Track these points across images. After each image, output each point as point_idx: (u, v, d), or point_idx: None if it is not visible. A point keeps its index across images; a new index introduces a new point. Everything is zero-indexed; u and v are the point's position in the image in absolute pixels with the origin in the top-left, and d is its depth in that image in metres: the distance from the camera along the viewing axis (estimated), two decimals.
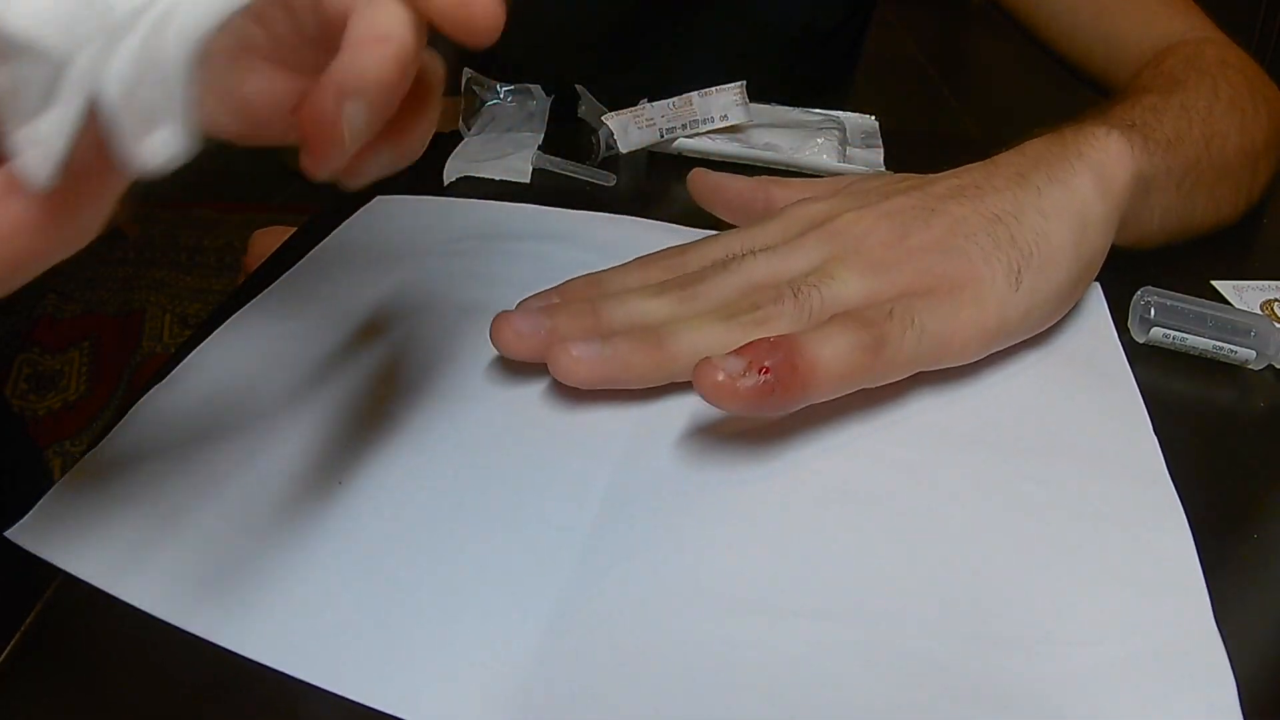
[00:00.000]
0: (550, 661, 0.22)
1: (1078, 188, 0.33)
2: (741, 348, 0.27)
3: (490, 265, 0.40)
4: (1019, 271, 0.31)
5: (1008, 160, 0.35)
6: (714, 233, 0.37)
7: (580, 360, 0.30)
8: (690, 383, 0.31)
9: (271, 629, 0.23)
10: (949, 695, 0.22)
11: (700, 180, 0.43)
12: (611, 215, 0.45)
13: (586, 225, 0.44)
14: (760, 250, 0.33)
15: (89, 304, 1.55)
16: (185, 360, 0.33)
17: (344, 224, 0.44)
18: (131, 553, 0.25)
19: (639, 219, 0.44)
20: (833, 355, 0.28)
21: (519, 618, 0.23)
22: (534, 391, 0.32)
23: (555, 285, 0.35)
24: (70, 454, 1.21)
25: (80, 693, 0.23)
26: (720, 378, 0.26)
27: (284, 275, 0.39)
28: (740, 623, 0.23)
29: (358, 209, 0.46)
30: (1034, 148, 0.35)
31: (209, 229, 1.79)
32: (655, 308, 0.32)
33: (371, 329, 0.35)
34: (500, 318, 0.31)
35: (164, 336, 1.45)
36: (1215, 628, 0.23)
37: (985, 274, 0.31)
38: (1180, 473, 0.28)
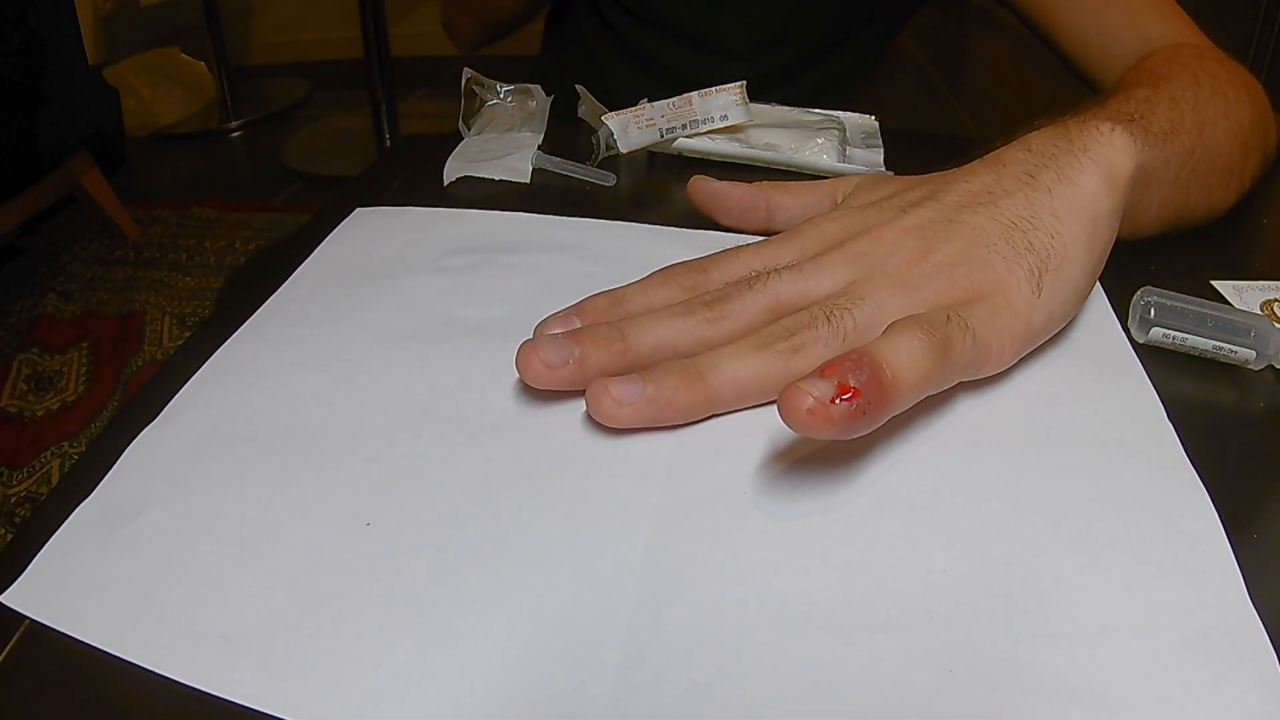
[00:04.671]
0: (626, 700, 0.22)
1: (1086, 185, 0.33)
2: (824, 368, 0.26)
3: (490, 281, 0.39)
4: (1039, 276, 0.31)
5: (1014, 158, 0.35)
6: (724, 240, 0.37)
7: (623, 404, 0.29)
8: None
9: (314, 691, 0.22)
10: (1027, 694, 0.22)
11: (700, 187, 0.43)
12: (607, 222, 0.44)
13: (583, 234, 0.43)
14: (783, 269, 0.33)
15: (88, 304, 1.55)
16: (176, 397, 0.32)
17: (327, 239, 0.42)
18: (141, 613, 0.24)
19: (636, 224, 0.44)
20: (909, 360, 0.27)
21: (590, 658, 0.23)
22: (563, 414, 0.31)
23: (573, 304, 0.34)
24: (69, 455, 1.21)
25: (81, 693, 0.23)
26: (810, 404, 0.25)
27: (270, 298, 0.38)
28: (814, 642, 0.23)
29: (360, 205, 0.46)
30: (1039, 143, 0.35)
31: (209, 229, 1.79)
32: (683, 330, 0.32)
33: (375, 355, 0.34)
34: (526, 348, 0.31)
35: (163, 340, 1.45)
36: (1250, 605, 0.24)
37: (1010, 282, 0.31)
38: None
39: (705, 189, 0.43)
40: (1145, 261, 0.40)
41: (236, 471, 0.28)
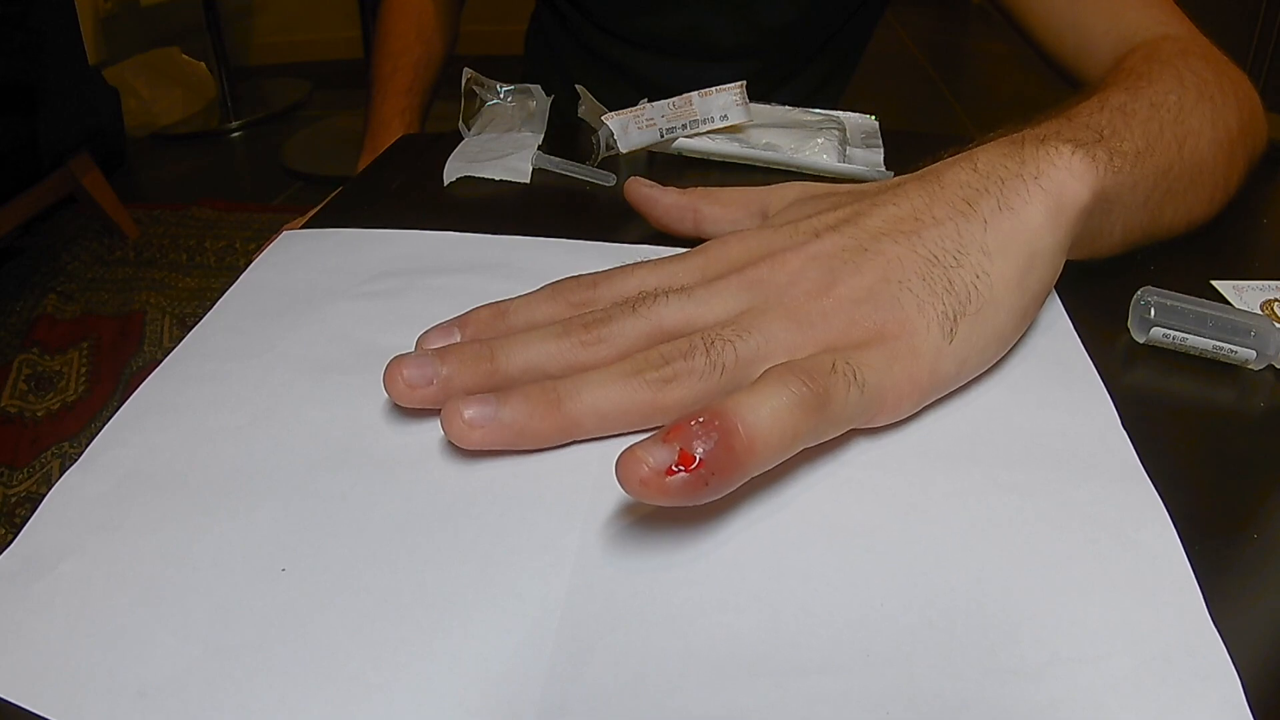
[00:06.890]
0: None
1: (1029, 217, 0.30)
2: (668, 431, 0.24)
3: (413, 305, 0.37)
4: (954, 320, 0.29)
5: (955, 179, 0.32)
6: (655, 254, 0.35)
7: (474, 426, 0.27)
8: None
9: None
10: None
11: (634, 189, 0.41)
12: (533, 239, 0.43)
13: (510, 251, 0.42)
14: (675, 291, 0.31)
15: (89, 305, 1.55)
16: (96, 439, 0.31)
17: (251, 266, 0.41)
18: (57, 669, 0.23)
19: (563, 240, 0.42)
20: (771, 420, 0.24)
21: (508, 709, 0.21)
22: (484, 453, 0.29)
23: (457, 316, 0.32)
24: (69, 455, 1.21)
25: None
26: (643, 473, 0.23)
27: (192, 330, 0.36)
28: (745, 687, 0.22)
29: (360, 205, 0.46)
30: (987, 161, 0.32)
31: (209, 229, 1.80)
32: (556, 352, 0.30)
33: (294, 389, 0.33)
34: (392, 364, 0.29)
35: (163, 340, 1.46)
36: (1211, 623, 0.23)
37: (919, 325, 0.29)
38: (1180, 473, 0.28)
39: (638, 192, 0.41)
40: (1145, 261, 0.40)
41: (154, 518, 0.27)
